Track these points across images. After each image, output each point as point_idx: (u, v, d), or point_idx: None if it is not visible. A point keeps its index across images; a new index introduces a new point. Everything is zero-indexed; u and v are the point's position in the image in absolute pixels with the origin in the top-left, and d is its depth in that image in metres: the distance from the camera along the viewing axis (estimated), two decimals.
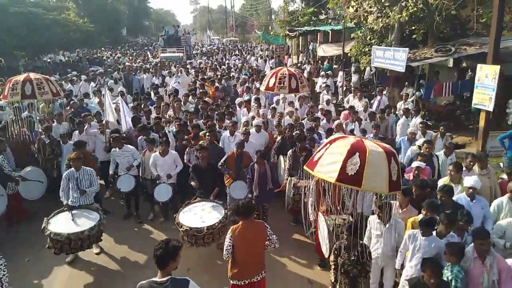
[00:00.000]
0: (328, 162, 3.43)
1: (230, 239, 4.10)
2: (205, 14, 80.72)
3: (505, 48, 10.81)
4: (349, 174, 3.28)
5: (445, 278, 3.83)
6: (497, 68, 7.06)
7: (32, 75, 7.97)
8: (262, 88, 8.96)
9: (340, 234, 4.79)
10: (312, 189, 5.27)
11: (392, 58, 10.67)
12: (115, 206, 7.70)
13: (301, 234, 6.40)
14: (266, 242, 4.19)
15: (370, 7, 12.83)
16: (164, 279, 2.99)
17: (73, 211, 5.64)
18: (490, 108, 7.34)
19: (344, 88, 15.33)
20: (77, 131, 8.07)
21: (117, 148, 7.03)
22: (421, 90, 11.39)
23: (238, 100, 11.20)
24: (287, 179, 6.68)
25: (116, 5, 45.98)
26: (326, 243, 4.79)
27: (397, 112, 10.23)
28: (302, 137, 6.91)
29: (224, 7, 67.73)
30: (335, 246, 4.24)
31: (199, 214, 5.66)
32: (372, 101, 11.30)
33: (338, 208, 4.60)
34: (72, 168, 5.86)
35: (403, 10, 11.18)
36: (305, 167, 3.73)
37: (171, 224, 6.29)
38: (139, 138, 7.65)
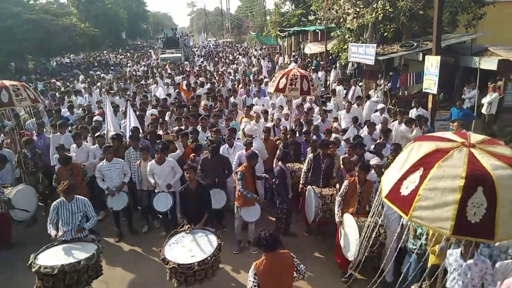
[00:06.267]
0: (433, 202, 2.45)
1: (254, 278, 3.53)
2: (201, 17, 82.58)
3: (461, 43, 12.59)
4: (472, 222, 2.34)
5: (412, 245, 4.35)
6: (438, 58, 8.78)
7: (8, 82, 7.61)
8: (271, 90, 8.45)
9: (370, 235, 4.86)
10: (343, 190, 5.26)
11: (364, 53, 12.37)
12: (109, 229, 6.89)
13: (318, 246, 6.34)
14: (294, 274, 3.70)
15: (348, 9, 14.57)
16: None
17: (65, 245, 4.80)
18: (435, 91, 9.06)
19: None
20: (75, 145, 7.35)
21: (104, 161, 6.46)
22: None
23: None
24: (303, 187, 6.33)
25: (116, 9, 47.87)
26: (357, 244, 4.63)
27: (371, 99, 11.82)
28: (326, 143, 6.40)
29: (220, 9, 69.64)
30: None
31: (188, 247, 4.76)
32: (347, 92, 12.99)
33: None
34: (62, 198, 5.00)
35: (374, 11, 12.92)
36: (395, 208, 2.72)
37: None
38: (126, 151, 7.01)
